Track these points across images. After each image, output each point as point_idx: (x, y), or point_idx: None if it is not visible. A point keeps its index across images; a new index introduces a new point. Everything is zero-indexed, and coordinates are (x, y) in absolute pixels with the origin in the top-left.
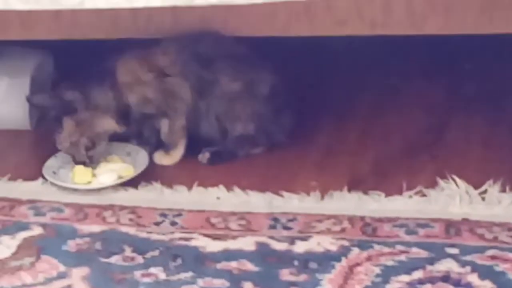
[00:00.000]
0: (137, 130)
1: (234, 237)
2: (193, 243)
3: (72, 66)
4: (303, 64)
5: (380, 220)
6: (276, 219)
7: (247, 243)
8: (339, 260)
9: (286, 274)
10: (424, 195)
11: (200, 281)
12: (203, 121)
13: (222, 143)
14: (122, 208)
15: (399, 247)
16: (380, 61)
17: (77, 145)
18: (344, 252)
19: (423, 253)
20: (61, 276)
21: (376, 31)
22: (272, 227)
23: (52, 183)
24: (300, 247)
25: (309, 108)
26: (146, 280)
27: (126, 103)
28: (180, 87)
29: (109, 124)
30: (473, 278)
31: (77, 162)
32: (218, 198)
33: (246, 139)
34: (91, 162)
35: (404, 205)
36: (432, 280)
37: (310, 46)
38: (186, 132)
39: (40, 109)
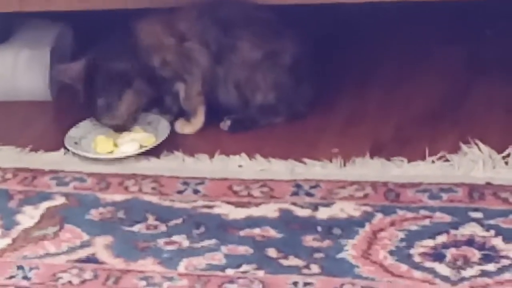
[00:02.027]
0: (159, 96)
1: (257, 204)
2: (216, 210)
3: (92, 37)
4: (324, 31)
5: (403, 185)
6: (298, 186)
7: (270, 210)
8: (362, 226)
9: (309, 240)
10: (447, 160)
11: (224, 248)
12: (221, 88)
13: (242, 112)
14: (145, 177)
15: (423, 212)
16: (401, 27)
17: (133, 115)
18: (367, 217)
19: (447, 218)
20: (85, 245)
21: None
22: (295, 193)
23: (74, 153)
24: (323, 213)
25: (330, 76)
26: (170, 248)
27: (151, 65)
28: (197, 51)
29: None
30: (498, 242)
31: (119, 131)
32: (240, 166)
33: (267, 109)
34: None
35: (427, 170)
36: (456, 244)
37: (330, 12)
38: (205, 99)
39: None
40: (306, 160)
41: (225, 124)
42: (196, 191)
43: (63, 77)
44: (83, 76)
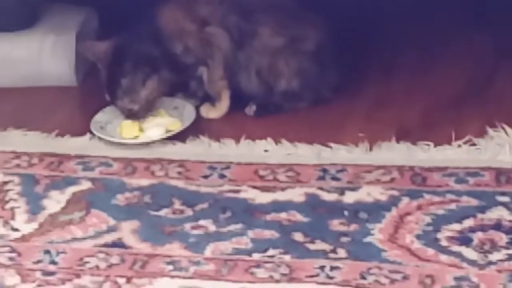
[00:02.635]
0: (184, 81)
1: (283, 189)
2: (242, 195)
3: (117, 21)
4: (349, 16)
5: (429, 169)
6: (325, 170)
7: (296, 194)
8: (389, 210)
9: (336, 224)
10: (473, 144)
11: (250, 233)
12: (243, 74)
13: (265, 98)
14: (171, 162)
15: (449, 196)
16: (426, 11)
17: (150, 104)
18: (394, 201)
19: (474, 202)
20: (111, 229)
21: None
22: (321, 178)
23: (100, 138)
24: (349, 198)
25: (356, 60)
26: (196, 232)
27: (174, 52)
28: (218, 36)
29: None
30: None
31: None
32: (266, 150)
33: (291, 95)
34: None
35: (453, 154)
36: (483, 228)
37: None
38: (228, 83)
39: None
40: (332, 144)
41: (251, 109)
42: (222, 176)
43: (88, 54)
44: (109, 55)
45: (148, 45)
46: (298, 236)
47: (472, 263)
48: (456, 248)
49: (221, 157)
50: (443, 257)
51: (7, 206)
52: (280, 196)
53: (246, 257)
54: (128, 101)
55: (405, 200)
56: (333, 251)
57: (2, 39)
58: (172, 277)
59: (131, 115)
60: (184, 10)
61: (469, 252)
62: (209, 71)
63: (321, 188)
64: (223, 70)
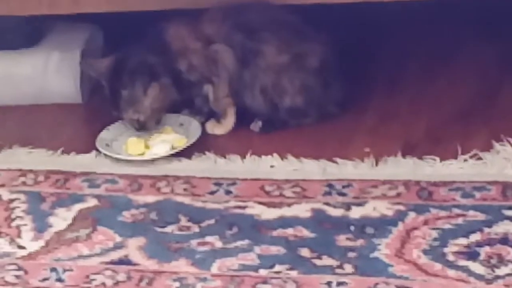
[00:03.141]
0: (189, 98)
1: (289, 204)
2: (248, 211)
3: (122, 39)
4: (353, 31)
5: (435, 184)
6: (331, 186)
7: (302, 210)
8: (395, 225)
9: (343, 240)
10: (479, 159)
11: (257, 249)
12: (247, 92)
13: (271, 115)
14: (176, 178)
15: (456, 211)
16: (431, 25)
17: (157, 113)
18: (400, 216)
19: (481, 216)
20: (118, 246)
21: None
22: (327, 193)
23: (105, 155)
24: (356, 213)
25: (361, 75)
26: (203, 248)
27: (179, 69)
28: (223, 53)
29: (174, 92)
30: None
31: (141, 129)
32: (272, 166)
33: (296, 111)
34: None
35: (459, 169)
36: (490, 242)
37: (360, 11)
38: (233, 100)
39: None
40: (338, 159)
41: (256, 125)
42: (228, 192)
43: (91, 71)
44: (111, 70)
45: (145, 54)
46: (305, 252)
47: (480, 277)
48: (463, 262)
49: (227, 173)
50: (451, 272)
51: (13, 223)
52: (286, 211)
53: (253, 273)
54: (132, 111)
55: (412, 215)
56: (340, 266)
57: (7, 57)
58: None
59: (140, 126)
60: (189, 28)
61: (476, 267)
62: (214, 89)
63: (327, 204)
64: (228, 87)
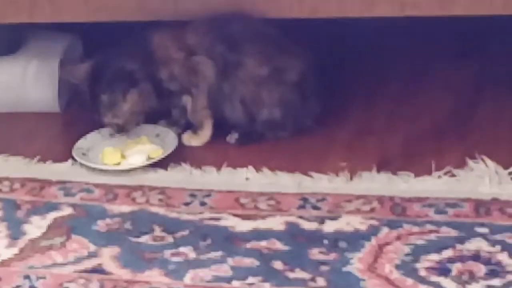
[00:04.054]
0: (166, 109)
1: (263, 217)
2: (222, 223)
3: (101, 48)
4: (331, 46)
5: (409, 200)
6: (305, 199)
7: (276, 222)
8: (368, 239)
9: (315, 253)
10: (453, 176)
11: (230, 260)
12: (227, 103)
13: (248, 127)
14: (152, 188)
15: (429, 227)
16: (408, 43)
17: (135, 117)
18: (373, 231)
19: (453, 232)
20: (92, 255)
21: (405, 12)
22: (301, 207)
23: (81, 164)
24: (329, 227)
25: (337, 90)
26: (176, 259)
27: (159, 77)
28: (204, 65)
29: (153, 98)
30: (503, 257)
31: (120, 132)
32: (247, 178)
33: (273, 124)
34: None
35: (433, 185)
36: (462, 259)
37: (338, 27)
38: (211, 112)
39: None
40: (313, 173)
41: (232, 137)
42: (203, 203)
43: (70, 77)
44: (90, 75)
45: (125, 60)
46: (278, 265)
47: None
48: (434, 278)
49: (202, 185)
50: (422, 287)
51: None
52: (260, 224)
53: (226, 285)
54: (111, 116)
55: (385, 230)
56: (313, 279)
57: None
58: None
59: (119, 129)
60: (173, 38)
61: (447, 283)
62: (193, 100)
63: (301, 217)
64: (207, 99)
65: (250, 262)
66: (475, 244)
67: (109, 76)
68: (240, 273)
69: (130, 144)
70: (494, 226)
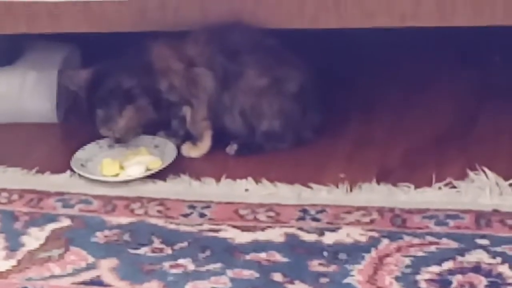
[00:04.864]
0: (165, 120)
1: (263, 229)
2: (221, 234)
3: (100, 59)
4: (332, 57)
5: (409, 211)
6: (305, 211)
7: (276, 234)
8: (368, 251)
9: (315, 265)
10: (454, 187)
11: (229, 272)
12: (227, 114)
13: (248, 138)
14: (151, 200)
15: (429, 238)
16: (409, 53)
17: (132, 130)
18: (373, 243)
19: (453, 244)
20: (90, 267)
21: (405, 23)
22: (301, 218)
23: (80, 176)
24: (329, 238)
25: (338, 101)
26: (175, 271)
27: (159, 88)
28: (204, 76)
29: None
30: (504, 269)
31: (118, 143)
32: (246, 190)
33: (272, 135)
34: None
35: (433, 196)
36: (462, 271)
37: (338, 38)
38: (211, 123)
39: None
40: (312, 185)
41: (232, 148)
42: (202, 215)
43: (69, 83)
44: (89, 83)
45: (128, 75)
46: (277, 277)
47: None
48: None
49: (202, 196)
50: None
51: None
52: (260, 236)
53: None
54: (106, 129)
55: (385, 241)
56: None
57: None
58: None
59: (117, 141)
60: (172, 49)
61: None
62: (192, 111)
63: (301, 229)
64: (207, 110)
65: (249, 274)
66: (476, 256)
67: (105, 92)
68: (240, 285)
69: (129, 155)
70: (495, 238)
